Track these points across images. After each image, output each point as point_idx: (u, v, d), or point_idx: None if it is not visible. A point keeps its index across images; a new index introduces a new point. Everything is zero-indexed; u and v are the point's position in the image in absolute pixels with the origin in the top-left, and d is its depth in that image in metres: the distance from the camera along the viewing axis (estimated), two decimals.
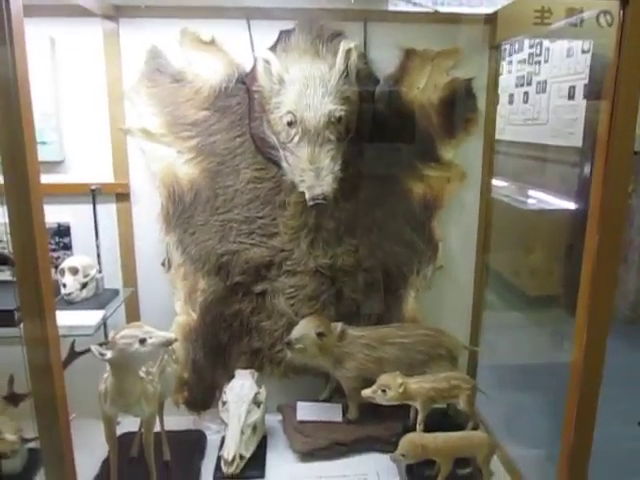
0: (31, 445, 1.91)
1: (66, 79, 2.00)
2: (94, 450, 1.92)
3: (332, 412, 2.14)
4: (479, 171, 2.20)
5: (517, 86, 2.43)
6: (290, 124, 1.74)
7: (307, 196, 1.73)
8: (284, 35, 1.94)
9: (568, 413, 1.50)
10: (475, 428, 1.97)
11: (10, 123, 1.25)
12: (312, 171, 1.71)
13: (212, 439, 2.12)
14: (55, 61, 1.97)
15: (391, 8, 2.08)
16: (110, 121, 2.02)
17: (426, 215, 2.15)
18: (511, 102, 2.45)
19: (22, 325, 1.74)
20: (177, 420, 2.13)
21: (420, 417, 1.89)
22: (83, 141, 2.05)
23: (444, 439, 1.79)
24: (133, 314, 2.16)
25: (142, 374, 1.63)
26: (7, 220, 1.85)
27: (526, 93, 2.38)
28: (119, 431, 1.96)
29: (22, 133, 1.27)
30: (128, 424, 2.00)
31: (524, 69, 2.40)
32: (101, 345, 1.68)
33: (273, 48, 1.92)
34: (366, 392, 1.86)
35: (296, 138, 1.73)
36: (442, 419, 2.02)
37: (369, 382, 1.93)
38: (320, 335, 1.95)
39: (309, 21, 1.94)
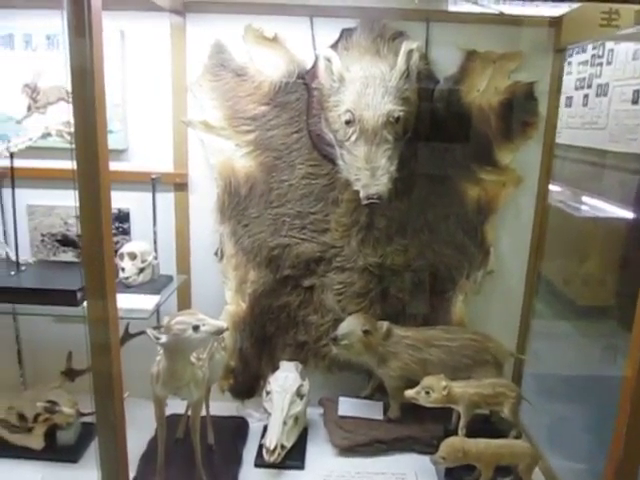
0: (85, 419, 2.01)
1: (133, 71, 2.07)
2: (142, 429, 1.99)
3: (373, 409, 2.15)
4: (536, 176, 2.16)
5: (577, 88, 2.36)
6: (348, 123, 1.75)
7: (361, 195, 1.74)
8: (346, 33, 1.95)
9: (617, 429, 1.46)
10: (517, 437, 1.95)
11: (85, 112, 1.32)
12: (368, 170, 1.72)
13: (254, 427, 2.18)
14: (124, 53, 2.05)
15: (451, 8, 2.06)
16: (173, 113, 2.09)
17: (479, 219, 2.13)
18: (569, 105, 2.38)
19: (84, 305, 1.83)
20: (221, 406, 2.19)
21: (462, 422, 1.89)
22: (146, 131, 2.12)
23: (486, 445, 1.78)
24: (185, 301, 2.23)
25: (193, 359, 1.68)
26: (77, 204, 1.95)
27: (586, 96, 2.31)
28: (166, 412, 2.04)
29: (95, 122, 1.33)
30: (175, 406, 2.07)
31: (586, 71, 2.32)
32: (155, 329, 1.76)
33: (334, 46, 1.94)
34: (409, 393, 1.86)
35: (353, 137, 1.75)
36: (484, 425, 2.00)
37: (412, 382, 1.93)
38: (366, 333, 1.96)
39: (371, 20, 1.94)
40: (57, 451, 1.98)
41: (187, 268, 2.23)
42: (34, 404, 1.95)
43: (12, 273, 1.96)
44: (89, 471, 1.92)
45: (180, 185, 2.15)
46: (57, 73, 2.05)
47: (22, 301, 1.85)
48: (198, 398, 1.74)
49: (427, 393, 1.85)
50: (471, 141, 2.05)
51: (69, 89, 2.08)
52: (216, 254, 2.16)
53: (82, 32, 1.27)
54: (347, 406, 2.16)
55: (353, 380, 2.27)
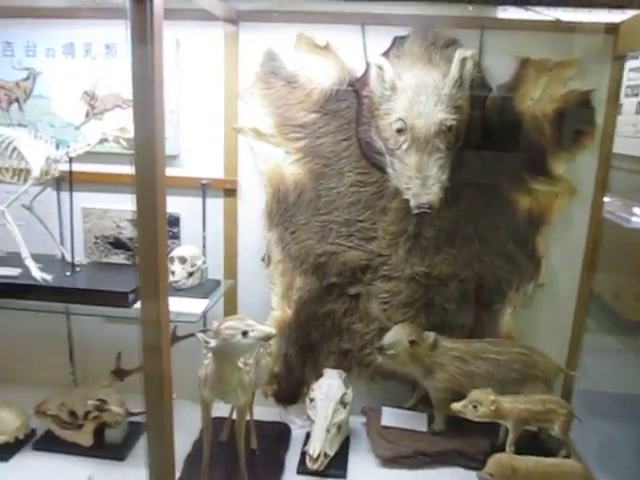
0: (132, 419, 2.04)
1: (187, 78, 2.12)
2: (186, 431, 2.02)
3: (417, 421, 2.13)
4: (591, 187, 2.10)
5: (627, 96, 2.29)
6: (400, 131, 1.74)
7: (412, 204, 1.72)
8: (398, 41, 1.95)
9: None
10: (567, 456, 1.89)
11: (145, 118, 1.35)
12: (419, 179, 1.71)
13: (296, 433, 2.18)
14: (178, 61, 2.10)
15: (501, 15, 2.02)
16: (224, 120, 2.12)
17: (530, 230, 2.08)
18: (620, 113, 2.31)
19: (135, 306, 1.87)
20: (263, 410, 2.20)
21: (511, 438, 1.84)
22: (197, 137, 2.16)
23: (535, 463, 1.73)
24: (231, 305, 2.26)
25: (240, 364, 1.70)
26: (133, 208, 1.99)
27: None
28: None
29: (154, 128, 1.36)
30: (219, 409, 2.09)
31: (639, 78, 2.25)
32: (202, 332, 1.79)
33: (386, 54, 1.93)
34: (456, 406, 1.83)
35: (405, 145, 1.74)
36: (532, 442, 1.94)
37: (458, 395, 1.91)
38: (412, 343, 1.94)
39: (424, 28, 1.93)
40: (105, 448, 2.03)
41: (234, 273, 2.25)
42: (84, 402, 2.00)
43: (67, 274, 2.02)
44: (136, 469, 1.96)
45: (230, 191, 2.18)
46: (114, 81, 2.11)
47: (77, 301, 1.91)
48: (244, 403, 1.75)
49: (474, 407, 1.81)
50: (524, 150, 2.01)
51: (125, 96, 2.14)
52: (263, 260, 2.17)
53: (144, 41, 1.30)
54: (390, 416, 2.14)
55: (396, 390, 2.25)
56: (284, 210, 2.10)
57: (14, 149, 1.93)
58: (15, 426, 2.00)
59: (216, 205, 2.21)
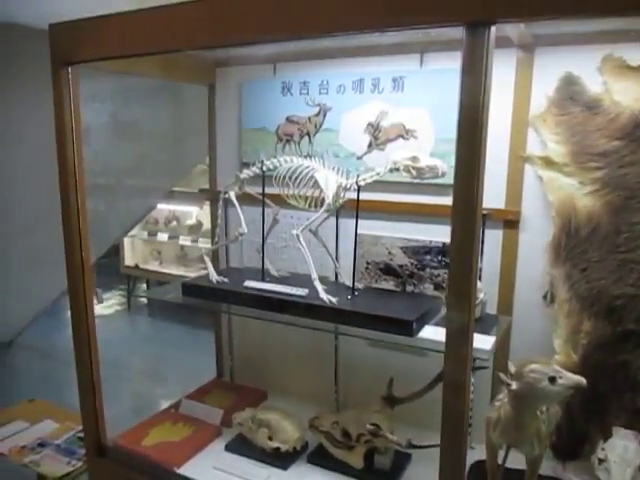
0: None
1: None
2: None
3: None
4: None
5: None
6: None
7: None
8: None
9: None
10: None
11: (470, 146, 1.35)
12: None
13: None
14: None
15: None
16: (510, 148, 2.04)
17: None
18: None
19: (417, 336, 1.86)
20: None
21: None
22: None
23: None
24: (503, 344, 2.12)
25: (537, 412, 1.57)
26: (408, 235, 1.98)
27: None
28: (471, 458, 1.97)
29: (479, 157, 1.35)
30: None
31: None
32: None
33: None
34: None
35: None
36: None
37: None
38: None
39: None
40: (373, 474, 2.04)
41: (509, 309, 2.13)
42: (357, 424, 2.04)
43: (349, 297, 2.11)
44: None
45: (511, 222, 2.07)
46: (398, 112, 2.18)
47: (358, 324, 1.96)
48: (539, 454, 1.62)
49: None
50: None
51: (408, 127, 2.18)
52: (544, 297, 2.02)
53: (475, 70, 1.30)
54: None
55: None
56: (574, 245, 1.92)
57: (311, 178, 2.09)
58: (295, 437, 2.13)
59: (493, 236, 2.12)
